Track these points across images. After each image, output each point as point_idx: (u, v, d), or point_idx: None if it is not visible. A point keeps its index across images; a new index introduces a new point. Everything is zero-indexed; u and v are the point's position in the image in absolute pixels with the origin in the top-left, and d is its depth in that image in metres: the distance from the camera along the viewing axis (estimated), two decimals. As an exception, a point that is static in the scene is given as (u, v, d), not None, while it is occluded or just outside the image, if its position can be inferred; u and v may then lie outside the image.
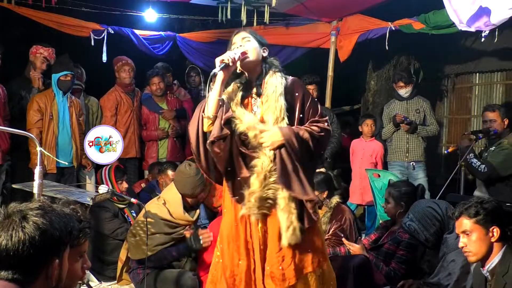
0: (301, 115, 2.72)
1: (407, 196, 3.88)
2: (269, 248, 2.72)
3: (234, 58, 2.64)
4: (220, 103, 2.65)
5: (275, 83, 2.71)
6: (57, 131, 5.08)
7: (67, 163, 5.02)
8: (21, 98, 5.22)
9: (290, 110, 2.70)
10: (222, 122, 2.63)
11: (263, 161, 2.66)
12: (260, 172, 2.65)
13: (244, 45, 2.74)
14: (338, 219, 4.12)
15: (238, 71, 2.75)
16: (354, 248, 3.80)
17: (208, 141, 2.68)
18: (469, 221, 2.61)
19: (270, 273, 2.70)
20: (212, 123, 2.65)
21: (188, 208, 4.11)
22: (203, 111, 2.68)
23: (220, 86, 2.66)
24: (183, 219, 4.05)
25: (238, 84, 2.79)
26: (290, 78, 2.78)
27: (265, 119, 2.68)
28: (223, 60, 2.62)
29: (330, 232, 4.11)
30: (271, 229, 2.71)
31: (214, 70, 2.64)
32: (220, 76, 2.65)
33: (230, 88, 2.77)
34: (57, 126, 5.09)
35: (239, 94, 2.77)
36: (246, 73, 2.79)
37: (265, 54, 2.80)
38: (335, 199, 4.24)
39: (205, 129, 2.70)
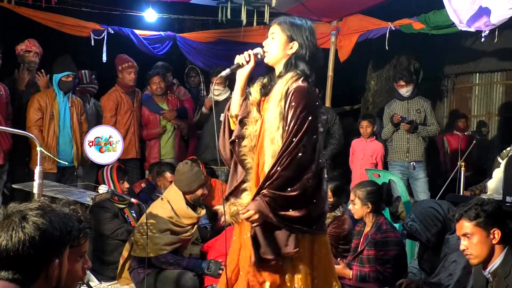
0: (288, 128, 2.51)
1: (373, 195, 3.81)
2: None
3: (247, 59, 2.62)
4: (242, 102, 2.67)
5: (281, 87, 2.57)
6: (57, 131, 5.07)
7: (67, 163, 5.01)
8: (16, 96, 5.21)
9: (284, 119, 2.55)
10: (238, 122, 2.65)
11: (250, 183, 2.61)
12: (252, 190, 2.60)
13: (268, 43, 2.65)
14: (337, 226, 4.12)
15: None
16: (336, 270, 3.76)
17: (229, 140, 2.70)
18: (470, 223, 2.60)
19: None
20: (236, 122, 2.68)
21: (190, 206, 4.12)
22: (228, 109, 2.71)
23: (242, 84, 2.66)
24: (187, 215, 4.08)
25: (263, 81, 2.70)
26: (296, 84, 2.55)
27: (264, 126, 2.60)
28: (237, 61, 2.63)
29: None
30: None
31: (226, 70, 2.65)
32: (239, 75, 2.66)
33: (255, 85, 2.70)
34: (57, 126, 5.08)
35: (259, 92, 2.69)
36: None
37: (290, 51, 2.61)
38: (342, 210, 4.24)
39: (232, 127, 2.72)
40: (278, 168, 2.45)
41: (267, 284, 2.57)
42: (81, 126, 5.24)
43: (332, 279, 2.71)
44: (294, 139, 2.46)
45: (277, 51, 2.62)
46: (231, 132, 2.72)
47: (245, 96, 2.70)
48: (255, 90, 2.67)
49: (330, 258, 2.72)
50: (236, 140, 2.67)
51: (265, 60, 2.66)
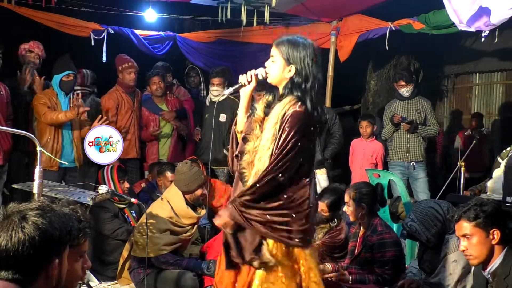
0: (276, 151, 2.60)
1: (368, 196, 3.77)
2: None
3: (249, 80, 2.74)
4: (246, 120, 2.78)
5: (277, 110, 2.65)
6: (60, 131, 5.07)
7: (67, 163, 5.00)
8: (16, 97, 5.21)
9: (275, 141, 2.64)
10: (241, 138, 2.76)
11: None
12: None
13: (269, 65, 2.73)
14: (333, 235, 4.11)
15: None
16: (335, 278, 3.74)
17: (233, 154, 2.82)
18: (469, 224, 2.59)
19: None
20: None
21: (190, 206, 4.12)
22: (235, 124, 2.84)
23: (245, 103, 2.79)
24: (187, 215, 4.07)
25: (268, 98, 2.80)
26: (293, 109, 2.61)
27: (260, 142, 2.71)
28: (240, 81, 2.75)
29: (320, 240, 4.10)
30: None
31: (229, 89, 2.83)
32: (242, 93, 2.77)
33: (260, 102, 2.80)
34: (60, 126, 5.09)
35: (262, 110, 2.78)
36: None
37: (288, 75, 2.67)
38: (339, 220, 4.22)
39: (239, 142, 2.83)
40: (257, 184, 2.56)
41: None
42: (82, 125, 5.23)
43: None
44: (280, 162, 2.55)
45: (277, 74, 2.71)
46: (237, 142, 2.84)
47: (251, 112, 2.81)
48: (259, 108, 2.76)
49: (317, 272, 2.74)
50: (239, 155, 2.77)
51: (268, 81, 2.75)
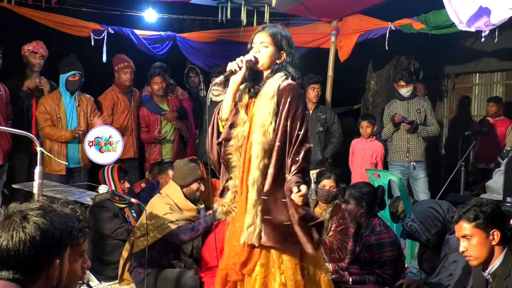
0: (286, 124, 2.67)
1: (368, 196, 3.79)
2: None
3: (240, 65, 2.74)
4: (232, 107, 2.80)
5: (272, 85, 2.71)
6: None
7: (67, 163, 5.00)
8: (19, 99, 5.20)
9: (277, 115, 2.70)
10: (228, 125, 2.77)
11: (234, 181, 2.81)
12: (232, 188, 2.82)
13: (259, 50, 2.77)
14: (340, 217, 4.15)
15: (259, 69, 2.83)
16: (336, 278, 3.75)
17: (217, 141, 2.82)
18: (469, 225, 2.59)
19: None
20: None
21: (189, 201, 4.15)
22: (218, 113, 2.84)
23: (234, 90, 2.78)
24: (186, 208, 4.10)
25: (249, 84, 2.83)
26: (286, 82, 2.72)
27: (253, 120, 2.73)
28: (230, 68, 2.75)
29: (331, 230, 4.13)
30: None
31: (219, 77, 2.83)
32: (232, 81, 2.77)
33: (242, 87, 2.83)
34: (65, 127, 5.09)
35: (247, 94, 2.82)
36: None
37: (279, 60, 2.79)
38: (339, 198, 4.30)
39: (220, 130, 2.84)
40: (297, 159, 2.64)
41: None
42: (90, 124, 5.21)
43: (322, 271, 2.82)
44: (301, 130, 2.66)
45: (268, 59, 2.77)
46: (219, 134, 2.85)
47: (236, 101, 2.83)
48: (244, 93, 2.80)
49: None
50: (223, 142, 2.80)
51: (258, 65, 2.77)
